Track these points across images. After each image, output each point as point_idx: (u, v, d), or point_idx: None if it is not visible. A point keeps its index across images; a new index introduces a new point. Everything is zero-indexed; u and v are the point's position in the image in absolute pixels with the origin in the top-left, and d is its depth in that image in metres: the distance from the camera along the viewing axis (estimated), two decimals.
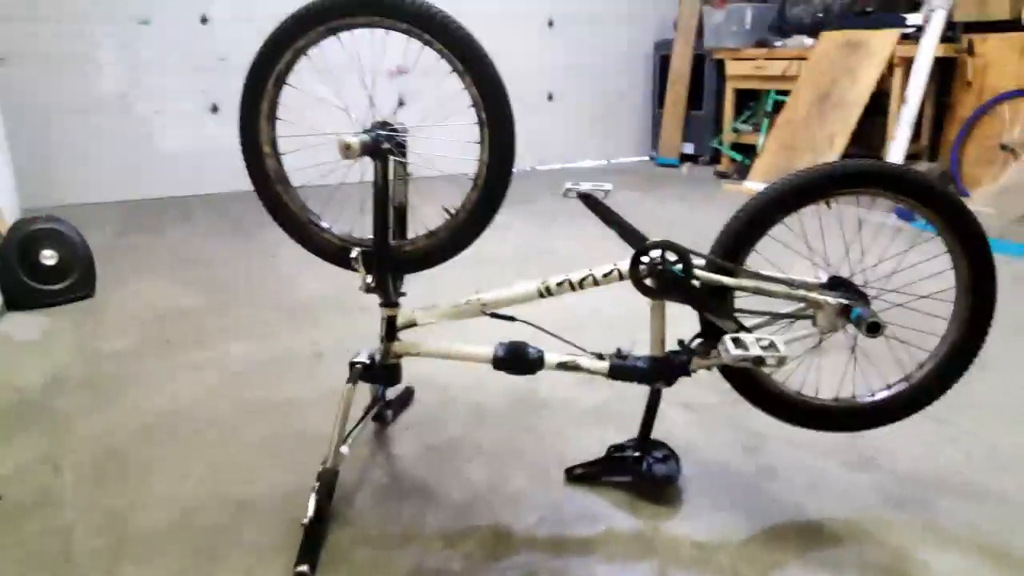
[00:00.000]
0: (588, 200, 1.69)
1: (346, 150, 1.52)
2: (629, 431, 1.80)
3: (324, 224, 1.81)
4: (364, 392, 1.96)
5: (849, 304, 1.57)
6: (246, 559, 1.50)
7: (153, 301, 3.13)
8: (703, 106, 6.43)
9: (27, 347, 2.65)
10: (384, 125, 1.68)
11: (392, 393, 2.10)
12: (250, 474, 1.82)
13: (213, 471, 1.84)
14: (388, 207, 1.70)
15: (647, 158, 7.02)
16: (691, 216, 4.64)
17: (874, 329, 1.51)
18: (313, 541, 1.50)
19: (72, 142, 5.01)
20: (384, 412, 2.05)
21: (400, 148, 1.71)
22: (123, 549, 1.54)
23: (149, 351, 2.59)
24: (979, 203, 4.07)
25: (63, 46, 4.86)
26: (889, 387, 1.72)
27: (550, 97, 6.61)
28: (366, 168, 1.66)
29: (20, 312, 2.97)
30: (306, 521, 1.52)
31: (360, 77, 1.73)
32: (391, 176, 1.68)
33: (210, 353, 2.56)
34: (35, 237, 3.07)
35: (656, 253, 1.59)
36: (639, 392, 1.72)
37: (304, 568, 1.43)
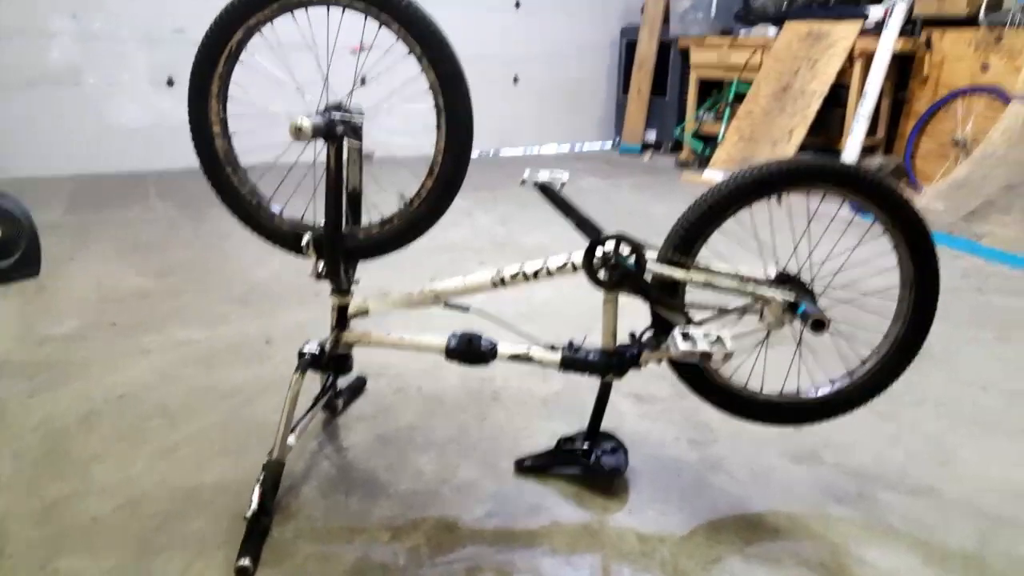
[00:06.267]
0: (545, 190, 1.68)
1: (297, 132, 1.49)
2: (580, 423, 1.81)
3: (275, 208, 1.77)
4: (315, 381, 1.94)
5: (795, 300, 1.59)
6: (187, 552, 1.48)
7: (101, 282, 3.04)
8: (667, 93, 6.44)
9: None
10: (338, 107, 1.64)
11: (344, 382, 2.08)
12: (197, 463, 1.79)
13: (159, 460, 1.80)
14: (341, 192, 1.66)
15: (611, 144, 7.03)
16: (649, 206, 4.66)
17: (818, 326, 1.53)
18: (256, 534, 1.48)
19: (21, 114, 4.83)
20: (335, 402, 2.02)
21: (355, 131, 1.68)
22: (61, 540, 1.50)
23: (95, 335, 2.52)
24: (930, 198, 4.15)
25: (13, 16, 4.67)
26: (832, 382, 1.75)
27: (516, 80, 6.57)
28: (323, 149, 1.62)
29: None
30: (249, 514, 1.49)
31: (315, 56, 1.69)
32: (345, 160, 1.65)
33: (159, 337, 2.50)
34: None
35: (610, 245, 1.59)
36: (592, 384, 1.72)
37: (245, 562, 1.40)
